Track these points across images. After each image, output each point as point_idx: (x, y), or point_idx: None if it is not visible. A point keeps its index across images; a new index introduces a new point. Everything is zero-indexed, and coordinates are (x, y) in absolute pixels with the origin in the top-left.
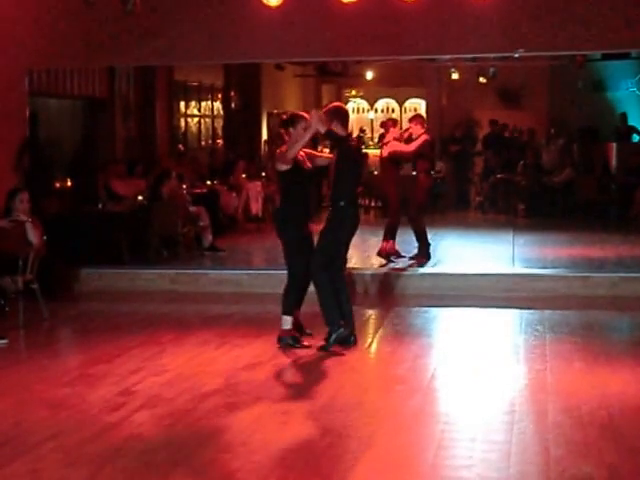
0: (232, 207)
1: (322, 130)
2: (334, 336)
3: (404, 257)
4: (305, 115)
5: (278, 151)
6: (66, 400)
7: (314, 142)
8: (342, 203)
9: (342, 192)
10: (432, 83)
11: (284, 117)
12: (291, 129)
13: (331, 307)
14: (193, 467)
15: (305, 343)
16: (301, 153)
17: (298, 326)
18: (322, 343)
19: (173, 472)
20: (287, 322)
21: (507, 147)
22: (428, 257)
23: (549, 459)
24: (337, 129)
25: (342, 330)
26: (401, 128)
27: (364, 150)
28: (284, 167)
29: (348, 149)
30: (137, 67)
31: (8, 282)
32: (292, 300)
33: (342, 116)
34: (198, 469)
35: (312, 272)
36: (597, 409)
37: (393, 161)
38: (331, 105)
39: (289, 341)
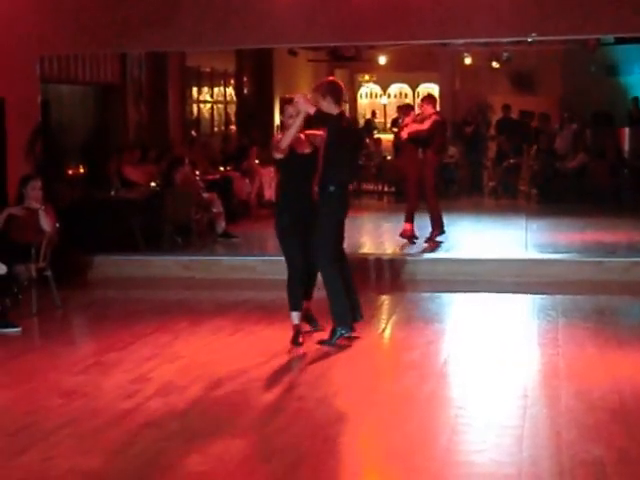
0: (245, 193)
1: (311, 111)
2: (338, 334)
3: (417, 239)
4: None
5: (274, 139)
6: (80, 388)
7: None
8: (331, 188)
9: (331, 176)
10: (445, 68)
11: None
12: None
13: (341, 303)
14: (207, 454)
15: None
16: (301, 136)
17: (309, 318)
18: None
19: (187, 459)
20: (294, 318)
21: (520, 132)
22: (442, 231)
23: (561, 443)
24: (329, 106)
25: (347, 331)
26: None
27: (376, 135)
28: (279, 155)
29: (338, 129)
30: (149, 53)
31: (21, 270)
32: (295, 294)
33: (336, 92)
34: (212, 456)
35: (320, 267)
36: (609, 393)
37: (412, 143)
38: (325, 80)
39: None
